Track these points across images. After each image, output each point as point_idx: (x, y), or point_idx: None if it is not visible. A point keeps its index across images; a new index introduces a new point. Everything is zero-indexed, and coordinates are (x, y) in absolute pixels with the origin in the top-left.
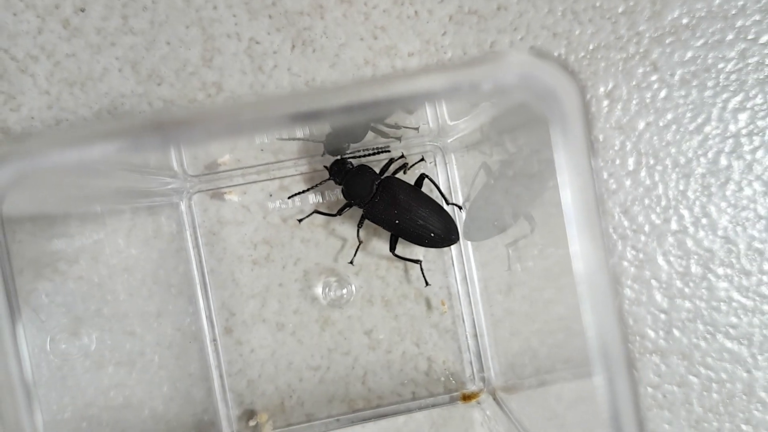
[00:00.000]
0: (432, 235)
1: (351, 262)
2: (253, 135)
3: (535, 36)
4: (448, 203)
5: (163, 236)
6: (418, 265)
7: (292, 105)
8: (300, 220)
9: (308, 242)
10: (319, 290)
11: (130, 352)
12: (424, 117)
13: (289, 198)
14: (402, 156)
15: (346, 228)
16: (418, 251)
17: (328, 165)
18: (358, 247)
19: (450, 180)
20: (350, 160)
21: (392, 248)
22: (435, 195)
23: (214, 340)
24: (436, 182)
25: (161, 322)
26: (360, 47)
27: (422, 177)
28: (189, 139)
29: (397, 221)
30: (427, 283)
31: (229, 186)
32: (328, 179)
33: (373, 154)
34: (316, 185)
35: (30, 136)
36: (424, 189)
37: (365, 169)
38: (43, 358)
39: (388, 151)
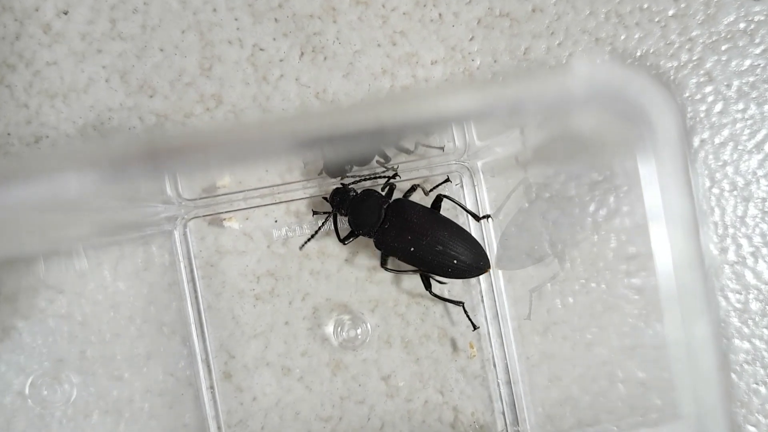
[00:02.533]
0: (455, 262)
1: (383, 267)
2: (257, 163)
3: (574, 41)
4: (478, 219)
5: (155, 268)
6: (460, 307)
7: (303, 128)
8: (301, 247)
9: (318, 275)
10: (330, 329)
11: (117, 399)
12: (449, 134)
13: (300, 248)
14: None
15: (361, 258)
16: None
17: (327, 196)
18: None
19: (479, 203)
20: (352, 186)
21: (427, 287)
22: (461, 222)
23: (212, 386)
24: (459, 201)
25: (152, 366)
26: (377, 54)
27: (439, 199)
28: (185, 167)
29: (412, 248)
30: (475, 327)
31: (230, 211)
32: (332, 211)
33: (379, 177)
34: (323, 224)
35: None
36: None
37: (371, 193)
38: (21, 405)
39: (396, 174)
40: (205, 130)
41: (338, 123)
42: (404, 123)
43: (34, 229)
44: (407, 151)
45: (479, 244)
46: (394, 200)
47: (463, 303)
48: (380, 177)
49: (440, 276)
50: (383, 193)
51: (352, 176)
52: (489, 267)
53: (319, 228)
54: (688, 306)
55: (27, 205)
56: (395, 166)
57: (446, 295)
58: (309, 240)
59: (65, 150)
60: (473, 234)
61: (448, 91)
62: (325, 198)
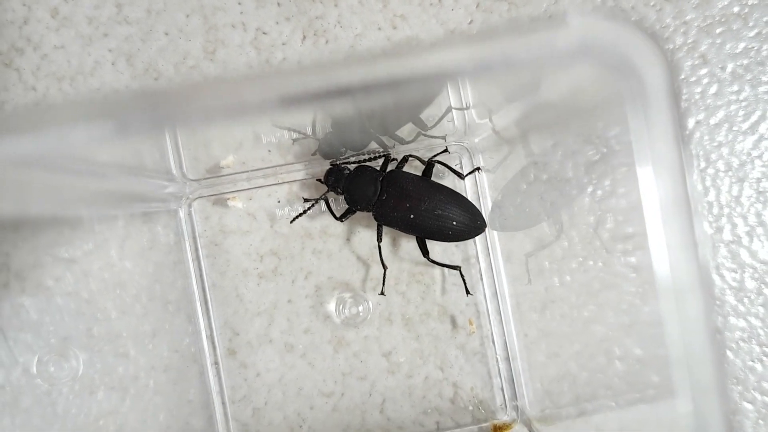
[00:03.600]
0: (454, 223)
1: (382, 293)
2: (257, 116)
3: None
4: (463, 177)
5: (160, 247)
6: (445, 276)
7: (302, 82)
8: (291, 221)
9: (320, 254)
10: (332, 307)
11: (122, 376)
12: (448, 124)
13: (291, 222)
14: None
15: (362, 237)
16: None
17: (321, 178)
18: (384, 274)
19: (478, 183)
20: (345, 165)
21: (425, 253)
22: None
23: (216, 363)
24: (447, 164)
25: (157, 343)
26: (378, 38)
27: (431, 165)
28: (186, 120)
29: (412, 215)
30: (468, 292)
31: (233, 191)
32: (327, 191)
33: (371, 159)
34: (316, 201)
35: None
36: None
37: (364, 168)
38: (28, 381)
39: (388, 155)
40: (203, 84)
41: (335, 77)
42: (400, 77)
43: (43, 189)
44: (402, 141)
45: (473, 205)
46: (388, 172)
47: (460, 267)
48: (375, 158)
49: (440, 240)
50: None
51: (344, 159)
52: (486, 225)
53: (312, 205)
54: (680, 283)
55: (34, 158)
56: (386, 151)
57: (442, 266)
58: (299, 216)
59: (71, 107)
60: (468, 197)
61: (444, 45)
62: (319, 180)
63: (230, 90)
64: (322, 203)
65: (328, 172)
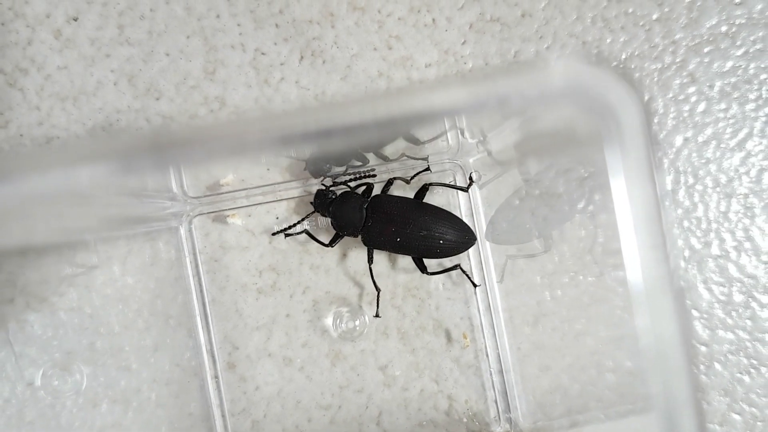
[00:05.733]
0: (441, 242)
1: (377, 315)
2: (258, 155)
3: (562, 44)
4: (466, 189)
5: (161, 263)
6: (440, 291)
7: (302, 122)
8: (274, 234)
9: (318, 269)
10: (329, 321)
11: (125, 389)
12: (442, 143)
13: (273, 234)
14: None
15: (358, 253)
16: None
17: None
18: (378, 296)
19: (472, 200)
20: (332, 189)
21: (422, 269)
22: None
23: (216, 376)
24: (443, 182)
25: (158, 357)
26: (373, 58)
27: (425, 188)
28: (189, 160)
29: (398, 239)
30: (475, 284)
31: (233, 208)
32: (313, 212)
33: (360, 178)
34: (303, 219)
35: (12, 158)
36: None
37: (349, 195)
38: (32, 395)
39: (374, 175)
40: (206, 126)
41: (334, 118)
42: (398, 117)
43: (48, 221)
44: (385, 159)
45: (461, 220)
46: (372, 197)
47: (459, 264)
48: (364, 176)
49: (431, 258)
50: (359, 193)
51: (331, 176)
52: (475, 239)
53: (295, 224)
54: (655, 300)
55: (42, 197)
56: (371, 170)
57: (441, 276)
58: (281, 231)
59: (77, 146)
60: (462, 214)
61: (440, 87)
62: (311, 203)
63: (232, 131)
64: (321, 220)
65: (315, 196)
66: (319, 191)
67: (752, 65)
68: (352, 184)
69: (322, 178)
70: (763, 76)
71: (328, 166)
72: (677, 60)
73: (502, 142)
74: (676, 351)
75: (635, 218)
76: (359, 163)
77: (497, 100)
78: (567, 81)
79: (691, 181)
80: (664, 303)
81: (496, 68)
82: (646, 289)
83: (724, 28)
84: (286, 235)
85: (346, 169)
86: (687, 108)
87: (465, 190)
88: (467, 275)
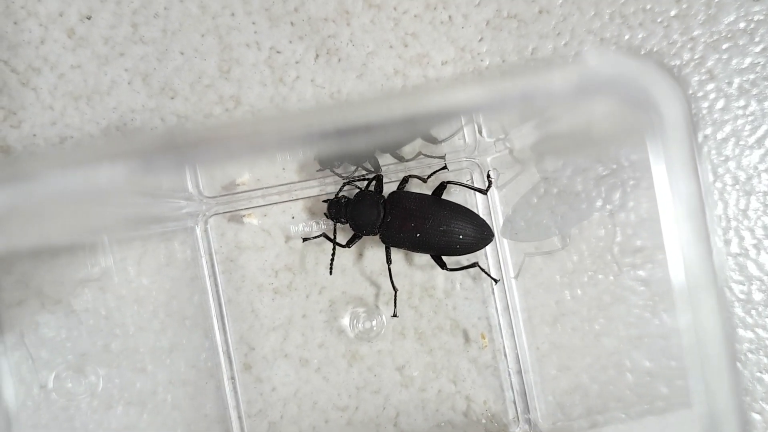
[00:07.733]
0: (461, 237)
1: (394, 315)
2: (274, 154)
3: (580, 41)
4: (485, 192)
5: (177, 263)
6: (457, 291)
7: (319, 121)
8: (304, 240)
9: (334, 269)
10: (346, 322)
11: (140, 391)
12: (459, 141)
13: (304, 241)
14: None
15: (375, 252)
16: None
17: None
18: (395, 295)
19: (489, 199)
20: (343, 194)
21: (442, 266)
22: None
23: (232, 377)
24: (462, 182)
25: (174, 358)
26: (389, 56)
27: (442, 186)
28: (206, 159)
29: (418, 234)
30: (495, 280)
31: (249, 208)
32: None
33: (359, 180)
34: (317, 236)
35: (29, 158)
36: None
37: (364, 194)
38: (44, 398)
39: (380, 177)
40: (221, 125)
41: (352, 117)
42: (420, 115)
43: (63, 222)
44: (401, 159)
45: (479, 216)
46: (390, 193)
47: (477, 262)
48: (362, 179)
49: (450, 255)
50: (373, 190)
51: (338, 173)
52: (493, 235)
53: (317, 236)
54: (697, 296)
55: (57, 197)
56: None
57: (458, 276)
58: (309, 239)
59: (92, 146)
60: (480, 212)
61: (459, 85)
62: (325, 214)
63: (248, 131)
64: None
65: (329, 206)
66: (330, 201)
67: None
68: (360, 184)
69: (328, 170)
70: None
71: (337, 162)
72: (696, 57)
73: (522, 140)
74: (720, 348)
75: (676, 212)
76: (371, 168)
77: (521, 96)
78: (608, 73)
79: (710, 178)
80: (708, 299)
81: (518, 65)
82: (688, 284)
83: (742, 25)
84: (304, 240)
85: (356, 170)
86: (706, 105)
87: (484, 192)
88: (486, 272)
